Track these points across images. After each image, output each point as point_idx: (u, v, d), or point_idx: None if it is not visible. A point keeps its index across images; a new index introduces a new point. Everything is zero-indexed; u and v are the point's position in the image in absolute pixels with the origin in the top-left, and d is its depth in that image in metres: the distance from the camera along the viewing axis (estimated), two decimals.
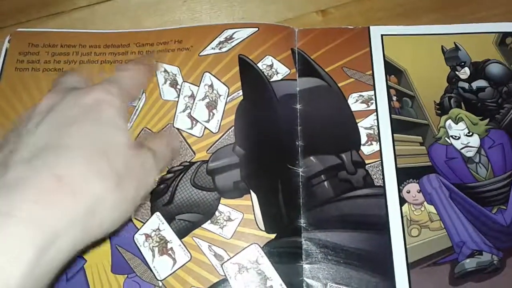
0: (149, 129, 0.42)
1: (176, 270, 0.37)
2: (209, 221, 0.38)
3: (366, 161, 0.40)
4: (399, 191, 0.39)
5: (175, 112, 0.42)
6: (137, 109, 0.42)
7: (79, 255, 0.38)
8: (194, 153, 0.41)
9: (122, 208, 0.31)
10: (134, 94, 0.38)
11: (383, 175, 0.40)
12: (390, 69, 0.43)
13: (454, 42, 0.44)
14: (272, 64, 0.43)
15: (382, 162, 0.40)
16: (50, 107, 0.32)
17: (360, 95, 0.42)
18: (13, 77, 0.44)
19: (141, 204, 0.34)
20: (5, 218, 0.25)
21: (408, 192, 0.39)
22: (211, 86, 0.43)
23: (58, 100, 0.32)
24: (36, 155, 0.28)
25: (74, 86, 0.35)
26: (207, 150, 0.41)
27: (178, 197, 0.39)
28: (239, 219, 0.38)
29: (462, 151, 0.41)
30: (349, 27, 0.45)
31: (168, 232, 0.38)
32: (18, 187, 0.27)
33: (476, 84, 0.43)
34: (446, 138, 0.41)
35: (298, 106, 0.42)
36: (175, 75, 0.43)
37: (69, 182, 0.28)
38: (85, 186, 0.28)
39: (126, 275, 0.38)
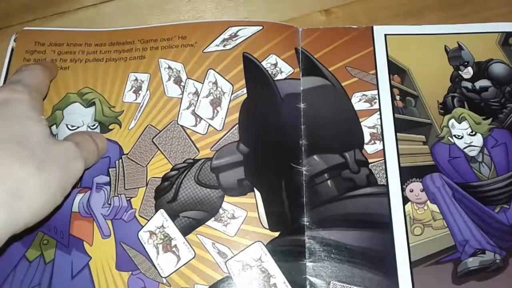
0: (154, 126, 0.42)
1: (180, 267, 0.38)
2: (213, 219, 0.39)
3: (370, 160, 0.40)
4: (402, 190, 0.39)
5: (179, 109, 0.42)
6: (141, 106, 0.43)
7: (83, 253, 0.38)
8: (198, 151, 0.41)
9: (48, 191, 0.32)
10: (40, 89, 0.39)
11: (386, 174, 0.40)
12: (394, 68, 0.43)
13: (458, 42, 0.44)
14: (277, 63, 0.43)
15: (385, 161, 0.40)
16: None
17: (364, 95, 0.43)
18: None
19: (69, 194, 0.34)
20: None
21: (411, 191, 0.39)
22: (215, 83, 0.43)
23: None
24: None
25: None
26: (211, 148, 0.41)
27: (182, 194, 0.40)
28: (243, 217, 0.38)
29: (465, 150, 0.41)
30: (353, 26, 0.45)
31: (172, 229, 0.39)
32: None
33: (479, 83, 0.43)
34: (449, 138, 0.41)
35: (301, 105, 0.42)
36: (179, 71, 0.44)
37: None
38: (4, 170, 0.29)
39: (130, 272, 0.38)
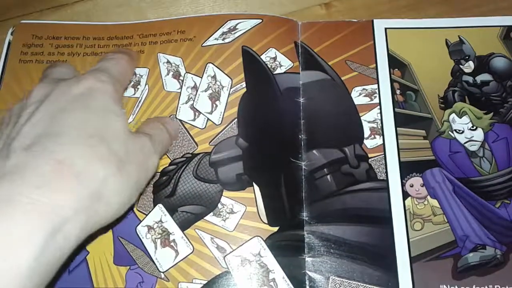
0: None
1: (179, 262, 0.37)
2: (211, 213, 0.38)
3: (369, 155, 0.40)
4: (402, 185, 0.39)
5: (178, 104, 0.42)
6: (140, 101, 0.42)
7: (81, 247, 0.38)
8: (197, 145, 0.41)
9: (126, 192, 0.31)
10: (123, 81, 0.38)
11: (386, 169, 0.40)
12: (394, 62, 0.43)
13: (459, 36, 0.44)
14: (276, 56, 0.43)
15: (385, 156, 0.40)
16: (43, 97, 0.32)
17: (364, 89, 0.42)
18: (17, 69, 0.44)
19: (143, 191, 0.33)
20: (9, 204, 0.25)
21: (411, 186, 0.39)
22: (214, 77, 0.43)
23: (50, 90, 0.32)
24: (34, 142, 0.28)
25: (63, 77, 0.35)
26: (210, 142, 0.41)
27: (180, 189, 0.39)
28: (242, 212, 0.38)
29: (466, 145, 0.40)
30: (353, 20, 0.45)
31: (170, 224, 0.38)
32: (19, 173, 0.27)
33: (480, 78, 0.43)
34: (449, 132, 0.41)
35: (301, 99, 0.42)
36: (178, 65, 0.43)
37: (70, 166, 0.28)
38: (87, 170, 0.28)
39: (128, 267, 0.38)
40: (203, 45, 0.44)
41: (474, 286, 0.36)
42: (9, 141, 0.29)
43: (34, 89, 0.33)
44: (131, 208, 0.33)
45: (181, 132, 0.41)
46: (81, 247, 0.36)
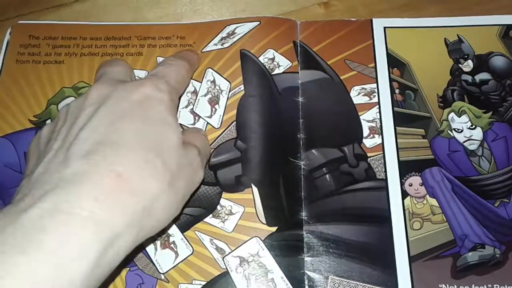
0: None
1: (178, 263, 0.37)
2: (210, 215, 0.38)
3: (368, 154, 0.40)
4: (401, 184, 0.39)
5: (178, 108, 0.42)
6: None
7: None
8: None
9: (173, 207, 0.31)
10: (180, 90, 0.37)
11: (385, 168, 0.40)
12: (393, 61, 0.43)
13: (458, 35, 0.44)
14: (274, 57, 0.43)
15: (384, 155, 0.40)
16: (101, 99, 0.31)
17: (363, 88, 0.42)
18: (14, 70, 0.44)
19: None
20: (68, 216, 0.25)
21: (410, 185, 0.39)
22: (214, 82, 0.43)
23: (108, 92, 0.31)
24: (93, 149, 0.28)
25: (120, 78, 0.35)
26: (209, 146, 0.40)
27: None
28: (240, 213, 0.38)
29: (465, 144, 0.40)
30: (352, 19, 0.45)
31: (170, 226, 0.38)
32: (78, 183, 0.26)
33: (479, 77, 0.43)
34: (448, 131, 0.41)
35: (300, 99, 0.42)
36: None
37: (128, 180, 0.27)
38: (143, 185, 0.28)
39: (128, 268, 0.38)
40: (202, 50, 0.44)
41: (473, 285, 0.36)
42: (67, 145, 0.29)
43: (93, 88, 0.32)
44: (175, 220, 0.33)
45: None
46: None
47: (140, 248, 0.38)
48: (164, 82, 0.34)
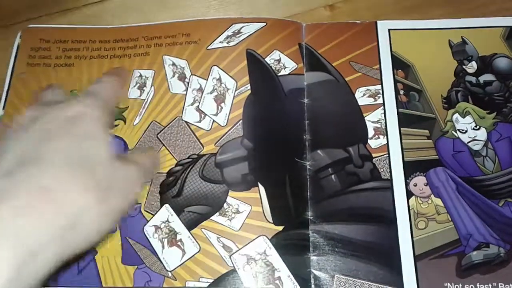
0: (158, 122, 0.42)
1: (185, 261, 0.38)
2: (217, 213, 0.39)
3: (373, 155, 0.40)
4: (406, 184, 0.39)
5: (184, 105, 0.43)
6: (146, 102, 0.43)
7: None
8: (203, 146, 0.41)
9: (107, 219, 0.30)
10: (111, 106, 0.38)
11: (390, 168, 0.40)
12: (397, 63, 0.44)
13: (462, 36, 0.44)
14: (280, 58, 0.43)
15: (389, 156, 0.40)
16: (31, 121, 0.32)
17: (368, 89, 0.43)
18: (25, 72, 0.45)
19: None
20: None
21: (415, 185, 0.39)
22: (219, 79, 0.43)
23: (38, 114, 0.32)
24: (17, 168, 0.28)
25: (56, 100, 0.35)
26: (216, 143, 0.41)
27: (187, 189, 0.40)
28: (247, 211, 0.39)
29: (469, 144, 0.41)
30: (357, 21, 0.45)
31: (177, 224, 0.39)
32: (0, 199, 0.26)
33: (483, 78, 0.43)
34: (453, 132, 0.41)
35: (305, 100, 0.42)
36: (183, 68, 0.44)
37: (52, 195, 0.27)
38: (68, 199, 0.28)
39: (136, 266, 0.38)
40: (208, 48, 0.44)
41: (477, 284, 0.36)
42: None
43: (26, 111, 0.33)
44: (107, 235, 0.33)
45: (187, 134, 0.42)
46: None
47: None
48: (94, 98, 0.35)
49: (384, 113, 0.42)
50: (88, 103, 0.34)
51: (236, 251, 0.38)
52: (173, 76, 0.44)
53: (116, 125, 0.43)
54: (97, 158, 0.31)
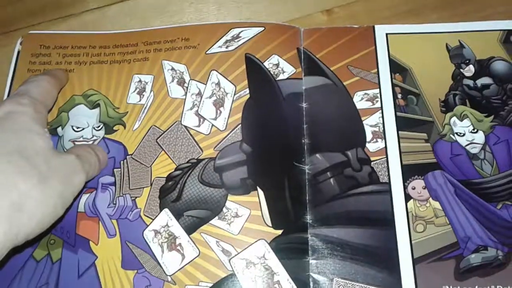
0: (158, 127, 0.43)
1: (185, 265, 0.38)
2: (216, 217, 0.39)
3: (372, 158, 0.41)
4: (404, 187, 0.40)
5: (183, 110, 0.43)
6: (145, 107, 0.43)
7: (89, 252, 0.39)
8: (202, 151, 0.41)
9: (49, 204, 0.32)
10: (46, 102, 0.39)
11: (388, 172, 0.40)
12: (395, 67, 0.44)
13: (459, 40, 0.44)
14: (278, 63, 0.44)
15: (387, 159, 0.40)
16: None
17: (365, 93, 0.43)
18: (25, 78, 0.45)
19: (70, 205, 0.34)
20: None
21: (413, 188, 0.40)
22: (218, 84, 0.43)
23: None
24: None
25: None
26: (215, 148, 0.41)
27: (186, 193, 0.40)
28: (246, 215, 0.39)
29: (467, 147, 0.41)
30: (354, 26, 0.45)
31: (176, 228, 0.39)
32: None
33: (480, 81, 0.43)
34: (451, 135, 0.41)
35: (304, 105, 0.42)
36: (182, 73, 0.44)
37: None
38: (7, 182, 0.29)
39: (136, 271, 0.38)
40: (207, 52, 0.45)
41: (476, 286, 0.36)
42: None
43: None
44: (59, 221, 0.33)
45: (186, 138, 0.42)
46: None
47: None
48: (26, 97, 0.36)
49: (382, 117, 0.42)
50: (19, 102, 0.35)
51: (235, 255, 0.38)
52: (172, 80, 0.44)
53: (116, 130, 0.43)
54: (32, 148, 0.33)
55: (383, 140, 0.41)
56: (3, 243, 0.29)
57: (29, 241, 0.32)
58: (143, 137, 0.42)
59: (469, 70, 0.44)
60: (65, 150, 0.42)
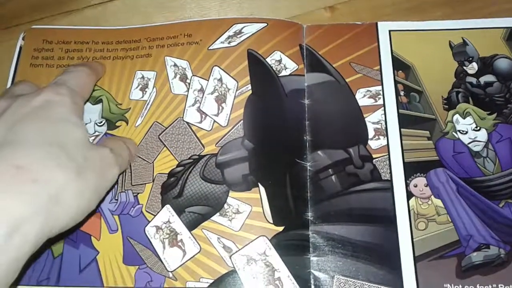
0: (160, 123, 0.43)
1: (186, 261, 0.38)
2: (218, 214, 0.39)
3: (374, 156, 0.41)
4: (406, 185, 0.39)
5: (185, 106, 0.43)
6: (148, 103, 0.43)
7: (91, 247, 0.39)
8: (204, 147, 0.41)
9: (85, 196, 0.32)
10: (82, 93, 0.39)
11: (390, 169, 0.40)
12: (398, 64, 0.44)
13: (462, 37, 0.44)
14: (281, 59, 0.44)
15: (389, 157, 0.40)
16: (1, 110, 0.33)
17: (368, 90, 0.43)
18: (28, 73, 0.45)
19: (103, 200, 0.35)
20: None
21: (415, 186, 0.40)
22: (220, 80, 0.43)
23: (9, 104, 0.34)
24: None
25: (23, 93, 0.36)
26: (216, 144, 0.41)
27: (187, 190, 0.40)
28: (248, 212, 0.39)
29: (470, 145, 0.41)
30: (357, 23, 0.45)
31: (178, 224, 0.39)
32: None
33: (484, 79, 0.43)
34: (453, 133, 0.41)
35: (306, 101, 0.42)
36: (185, 69, 0.44)
37: (29, 171, 0.29)
38: (46, 175, 0.29)
39: (137, 266, 0.38)
40: (209, 48, 0.45)
41: (477, 285, 0.36)
42: None
43: None
44: (90, 215, 0.33)
45: (188, 134, 0.42)
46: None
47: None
48: (64, 87, 0.36)
49: (385, 114, 0.42)
50: (58, 91, 0.35)
51: (236, 251, 0.38)
52: (175, 77, 0.44)
53: (118, 126, 0.43)
54: (70, 139, 0.32)
55: (385, 137, 0.41)
56: (39, 236, 0.28)
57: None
58: (146, 133, 0.42)
59: (472, 67, 0.43)
60: None
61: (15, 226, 0.27)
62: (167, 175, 0.41)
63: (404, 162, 0.40)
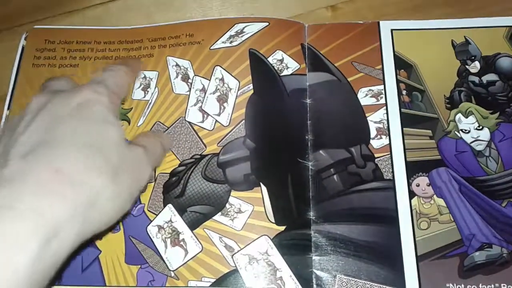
0: (162, 123, 0.43)
1: (188, 261, 0.38)
2: (220, 213, 0.39)
3: (376, 155, 0.40)
4: (409, 184, 0.39)
5: (187, 106, 0.43)
6: (150, 103, 0.43)
7: (93, 247, 0.39)
8: (205, 146, 0.41)
9: (120, 200, 0.31)
10: (120, 93, 0.38)
11: (392, 168, 0.40)
12: (400, 63, 0.44)
13: (464, 36, 0.44)
14: (283, 58, 0.44)
15: (391, 156, 0.40)
16: (40, 107, 0.33)
17: (370, 90, 0.43)
18: (30, 73, 0.45)
19: (136, 200, 0.34)
20: (7, 211, 0.26)
21: (418, 185, 0.39)
22: (222, 79, 0.43)
23: (47, 100, 0.33)
24: (31, 150, 0.29)
25: (61, 89, 0.36)
26: (218, 143, 0.41)
27: (189, 189, 0.40)
28: (249, 211, 0.39)
29: (472, 144, 0.41)
30: (359, 22, 0.45)
31: (180, 224, 0.39)
32: (17, 180, 0.27)
33: (486, 78, 0.43)
34: (455, 132, 0.41)
35: (308, 101, 0.42)
36: (187, 68, 0.44)
37: (67, 174, 0.28)
38: (83, 178, 0.29)
39: (139, 266, 0.38)
40: (211, 48, 0.45)
41: (480, 284, 0.36)
42: (7, 149, 0.30)
43: (33, 99, 0.34)
44: (124, 217, 0.33)
45: (190, 134, 0.42)
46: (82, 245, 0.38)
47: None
48: (103, 86, 0.35)
49: (387, 113, 0.42)
50: (96, 90, 0.34)
51: (238, 251, 0.38)
52: (177, 76, 0.44)
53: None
54: (107, 140, 0.32)
55: (387, 137, 0.41)
56: (74, 240, 0.28)
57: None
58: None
59: (475, 66, 0.43)
60: None
61: (54, 231, 0.26)
62: (169, 174, 0.41)
63: (406, 162, 0.40)
